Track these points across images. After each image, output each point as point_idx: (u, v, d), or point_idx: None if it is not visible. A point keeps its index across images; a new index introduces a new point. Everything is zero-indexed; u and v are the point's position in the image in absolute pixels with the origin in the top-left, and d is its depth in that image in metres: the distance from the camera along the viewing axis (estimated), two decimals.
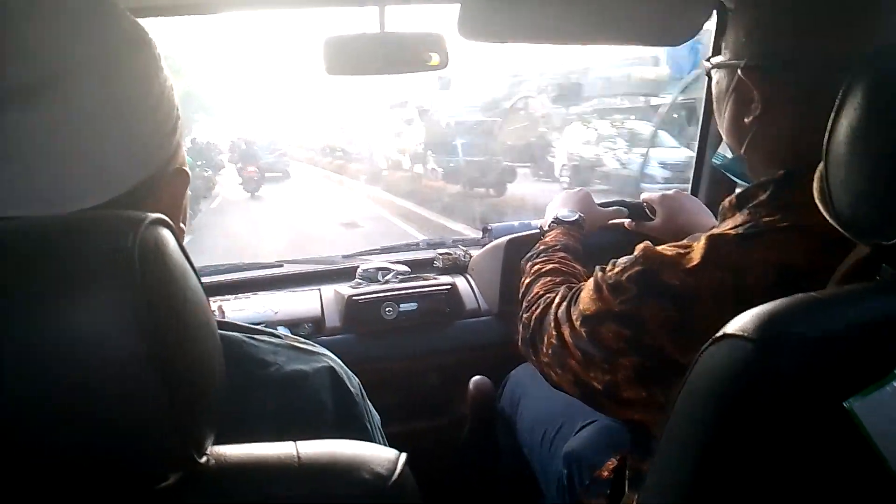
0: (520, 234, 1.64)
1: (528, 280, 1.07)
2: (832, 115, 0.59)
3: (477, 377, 1.52)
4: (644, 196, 1.35)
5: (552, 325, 0.88)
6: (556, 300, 0.91)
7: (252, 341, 0.69)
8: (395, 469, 0.49)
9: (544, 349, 0.90)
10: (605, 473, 0.98)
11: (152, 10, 1.10)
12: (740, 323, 0.56)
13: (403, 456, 0.51)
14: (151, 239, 0.42)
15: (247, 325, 0.73)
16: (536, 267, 1.08)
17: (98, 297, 0.39)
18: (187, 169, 0.65)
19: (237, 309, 1.57)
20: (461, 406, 1.57)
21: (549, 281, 1.02)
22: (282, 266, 1.83)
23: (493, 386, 1.52)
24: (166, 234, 0.44)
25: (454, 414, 1.63)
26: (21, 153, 0.51)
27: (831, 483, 0.54)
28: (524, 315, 0.99)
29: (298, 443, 0.50)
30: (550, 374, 0.90)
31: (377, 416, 0.77)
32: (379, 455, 0.50)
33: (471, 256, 1.82)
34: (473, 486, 1.60)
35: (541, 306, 0.95)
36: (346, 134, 21.18)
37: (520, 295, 1.06)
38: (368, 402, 0.76)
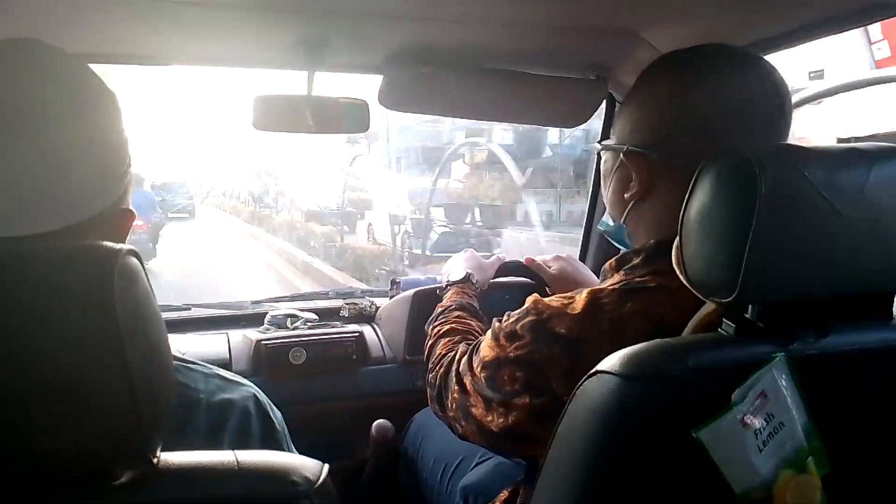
0: (426, 287, 1.74)
1: (430, 342, 1.17)
2: (686, 197, 0.74)
3: (379, 421, 1.59)
4: (540, 258, 1.49)
5: (454, 380, 0.98)
6: (457, 357, 1.01)
7: (185, 369, 0.75)
8: (320, 476, 0.58)
9: (450, 404, 0.99)
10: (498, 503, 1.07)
11: (95, 57, 1.16)
12: (610, 362, 0.68)
13: (326, 466, 0.59)
14: (127, 267, 0.50)
15: (180, 355, 0.79)
16: (436, 329, 1.18)
17: (82, 316, 0.47)
18: (133, 209, 0.72)
19: None
20: (365, 448, 1.63)
21: (449, 341, 1.12)
22: (189, 309, 1.84)
23: (397, 429, 1.59)
24: (137, 264, 0.52)
25: (358, 456, 1.68)
26: None
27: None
28: (430, 375, 1.08)
29: (237, 451, 0.57)
30: (456, 426, 0.98)
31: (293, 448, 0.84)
32: (306, 464, 0.59)
33: (377, 307, 1.90)
34: None
35: (443, 365, 1.05)
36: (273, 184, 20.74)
37: (425, 356, 1.16)
38: (287, 431, 0.83)
